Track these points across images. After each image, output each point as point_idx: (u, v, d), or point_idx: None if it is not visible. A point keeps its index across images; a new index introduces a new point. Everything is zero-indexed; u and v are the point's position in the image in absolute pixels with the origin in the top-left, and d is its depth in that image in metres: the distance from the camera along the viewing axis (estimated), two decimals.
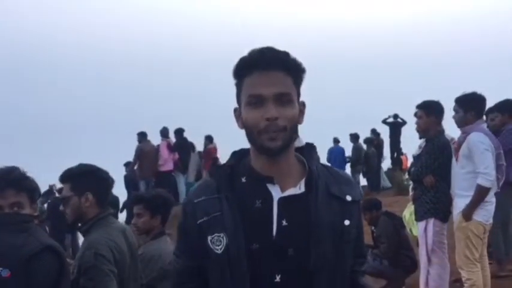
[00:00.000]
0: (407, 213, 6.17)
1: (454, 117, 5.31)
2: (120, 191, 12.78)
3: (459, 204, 4.89)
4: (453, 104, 5.09)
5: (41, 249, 2.33)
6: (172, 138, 13.47)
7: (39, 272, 2.29)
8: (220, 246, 1.56)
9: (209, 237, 1.58)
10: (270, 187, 1.60)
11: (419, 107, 5.40)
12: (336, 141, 16.28)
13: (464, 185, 4.86)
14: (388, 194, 14.19)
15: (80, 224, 3.01)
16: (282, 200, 1.58)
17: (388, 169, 17.26)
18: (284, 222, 1.56)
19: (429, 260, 5.13)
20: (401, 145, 16.91)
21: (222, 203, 1.59)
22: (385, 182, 16.54)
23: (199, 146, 14.19)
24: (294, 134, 1.59)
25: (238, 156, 1.70)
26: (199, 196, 1.65)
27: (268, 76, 1.55)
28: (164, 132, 13.28)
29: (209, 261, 1.59)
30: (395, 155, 17.07)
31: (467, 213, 4.79)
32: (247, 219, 1.57)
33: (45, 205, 13.60)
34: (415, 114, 5.37)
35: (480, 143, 4.78)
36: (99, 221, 2.96)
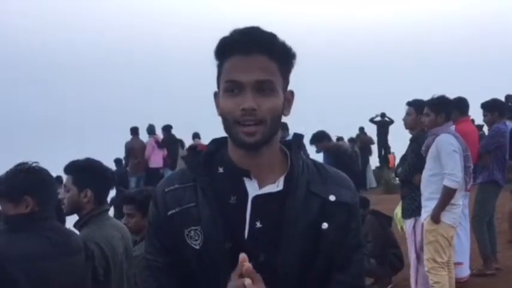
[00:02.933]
0: (399, 211, 6.21)
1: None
2: None
3: (427, 207, 4.88)
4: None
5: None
6: (160, 134, 13.46)
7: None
8: (198, 241, 1.41)
9: (185, 231, 1.41)
10: (247, 182, 1.43)
11: (409, 104, 5.45)
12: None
13: (433, 187, 4.85)
14: (376, 192, 14.25)
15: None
16: (257, 198, 1.41)
17: (376, 168, 17.34)
18: (258, 224, 1.40)
19: (418, 258, 5.15)
20: (389, 144, 17.01)
21: (197, 193, 1.43)
22: (371, 181, 16.62)
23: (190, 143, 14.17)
24: (275, 126, 1.42)
25: (218, 144, 1.51)
26: (171, 184, 1.47)
27: (249, 60, 1.38)
28: (151, 130, 13.25)
29: (186, 256, 1.42)
30: (382, 153, 17.17)
31: (436, 216, 4.77)
32: (223, 214, 1.40)
33: None
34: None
35: (449, 144, 4.79)
36: (93, 217, 2.97)
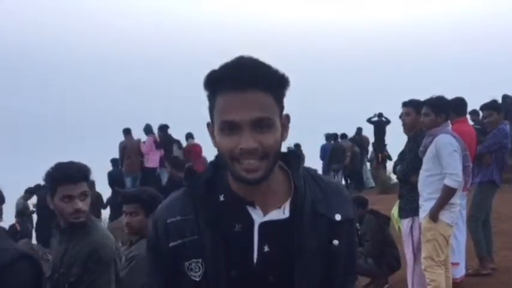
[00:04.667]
0: (396, 211, 6.22)
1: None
2: (103, 188, 12.75)
3: (425, 207, 4.89)
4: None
5: (16, 258, 1.95)
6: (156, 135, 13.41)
7: (12, 283, 1.93)
8: (198, 273, 1.40)
9: (186, 264, 1.40)
10: (251, 210, 1.40)
11: (407, 104, 5.45)
12: (328, 137, 16.37)
13: (431, 188, 4.85)
14: (373, 192, 14.26)
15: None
16: (264, 225, 1.39)
17: (373, 168, 17.36)
18: (266, 248, 1.39)
19: (415, 258, 5.16)
20: (387, 144, 17.02)
21: (199, 225, 1.41)
22: (368, 181, 16.65)
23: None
24: (277, 158, 1.39)
25: (216, 167, 1.47)
26: (172, 216, 1.44)
27: (244, 98, 1.32)
28: (148, 129, 13.20)
29: (185, 286, 1.42)
30: (379, 153, 17.17)
31: (434, 214, 4.79)
32: (226, 244, 1.38)
33: (29, 201, 13.51)
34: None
35: (449, 144, 4.80)
36: (94, 222, 3.00)
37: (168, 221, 1.44)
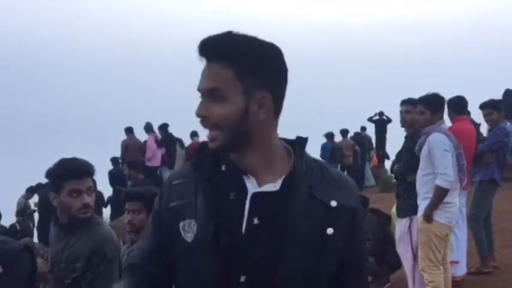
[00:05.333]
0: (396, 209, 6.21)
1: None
2: (104, 187, 12.74)
3: (422, 206, 4.87)
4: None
5: (22, 248, 2.40)
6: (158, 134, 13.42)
7: (21, 269, 2.35)
8: (190, 234, 1.44)
9: (181, 223, 1.46)
10: (247, 180, 1.45)
11: (407, 102, 5.42)
12: (328, 136, 16.36)
13: (426, 187, 4.83)
14: (373, 191, 14.26)
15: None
16: (255, 196, 1.43)
17: (373, 166, 17.37)
18: (255, 221, 1.41)
19: (415, 257, 5.15)
20: (387, 142, 17.03)
21: (197, 189, 1.47)
22: (369, 180, 16.64)
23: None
24: (236, 130, 1.41)
25: None
26: (177, 178, 1.54)
27: (205, 69, 1.43)
28: (149, 127, 13.22)
29: (178, 250, 1.47)
30: (380, 152, 17.18)
31: (428, 215, 4.76)
32: (220, 210, 1.43)
33: (30, 200, 13.53)
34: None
35: (440, 143, 4.76)
36: (97, 219, 3.01)
37: (172, 183, 1.53)
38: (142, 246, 1.61)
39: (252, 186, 1.45)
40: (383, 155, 16.91)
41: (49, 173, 2.87)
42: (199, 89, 1.44)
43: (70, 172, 2.80)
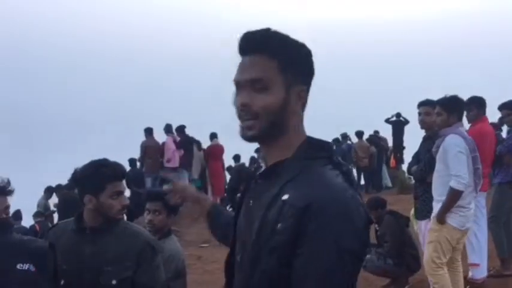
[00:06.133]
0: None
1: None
2: None
3: (435, 208, 4.84)
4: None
5: (48, 246, 2.62)
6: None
7: (49, 266, 2.57)
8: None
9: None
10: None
11: (425, 103, 5.40)
12: (345, 137, 16.29)
13: (441, 189, 4.79)
14: (391, 192, 14.19)
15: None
16: (254, 183, 1.62)
17: (391, 168, 17.28)
18: (251, 203, 1.58)
19: None
20: (405, 144, 16.93)
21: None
22: (386, 181, 16.55)
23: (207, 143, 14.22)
24: (274, 121, 1.45)
25: None
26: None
27: (245, 61, 1.50)
28: (168, 129, 13.34)
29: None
30: (398, 154, 17.09)
31: (440, 217, 4.72)
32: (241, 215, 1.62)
33: (49, 201, 13.66)
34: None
35: (455, 145, 4.71)
36: (122, 219, 3.01)
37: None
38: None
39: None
40: (401, 157, 16.81)
41: (87, 176, 2.80)
42: (238, 80, 1.49)
43: (112, 174, 2.81)
